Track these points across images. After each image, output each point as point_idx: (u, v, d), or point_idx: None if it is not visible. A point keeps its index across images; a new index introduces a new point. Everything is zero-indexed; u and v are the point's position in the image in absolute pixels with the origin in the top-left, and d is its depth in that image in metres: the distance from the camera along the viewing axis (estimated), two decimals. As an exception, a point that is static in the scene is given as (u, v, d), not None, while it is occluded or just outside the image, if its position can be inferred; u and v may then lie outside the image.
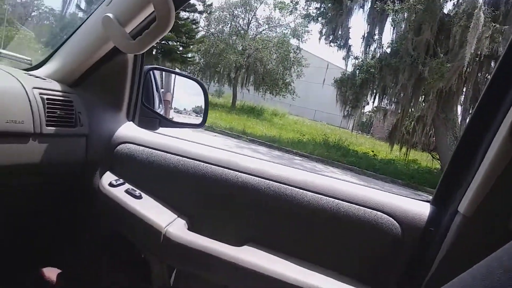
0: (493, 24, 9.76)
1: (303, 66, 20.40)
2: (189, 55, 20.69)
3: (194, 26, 19.91)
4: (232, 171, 1.08)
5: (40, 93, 1.03)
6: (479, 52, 9.89)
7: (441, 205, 0.96)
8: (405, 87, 11.48)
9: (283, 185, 1.03)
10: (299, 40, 20.76)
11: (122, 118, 1.27)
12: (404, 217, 0.95)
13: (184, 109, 1.79)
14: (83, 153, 1.18)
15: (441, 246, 0.89)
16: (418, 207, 0.97)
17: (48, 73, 1.17)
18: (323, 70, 17.81)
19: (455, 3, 11.47)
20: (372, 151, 13.31)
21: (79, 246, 1.28)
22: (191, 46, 20.26)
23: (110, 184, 1.14)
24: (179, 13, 15.28)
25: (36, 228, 1.29)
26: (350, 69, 13.45)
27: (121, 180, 1.16)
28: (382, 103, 13.18)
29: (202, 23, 21.05)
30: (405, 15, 11.67)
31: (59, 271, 1.32)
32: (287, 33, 21.00)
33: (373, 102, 13.57)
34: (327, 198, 1.00)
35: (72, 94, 1.14)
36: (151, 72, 1.48)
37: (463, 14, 10.24)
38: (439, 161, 12.16)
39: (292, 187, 1.02)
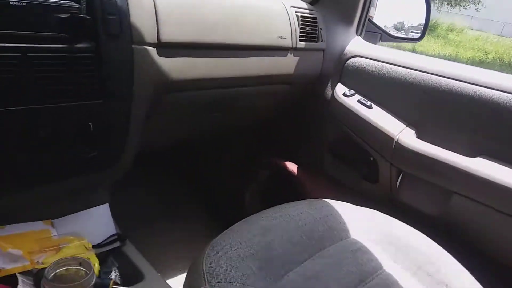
0: None
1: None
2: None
3: None
4: (466, 84, 1.05)
5: (296, 11, 1.18)
6: None
7: None
8: None
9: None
10: None
11: (352, 33, 1.35)
12: None
13: (385, 25, 1.77)
14: (320, 66, 1.32)
15: None
16: None
17: None
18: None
19: None
20: None
21: (312, 145, 1.47)
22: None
23: (344, 94, 1.26)
24: None
25: (276, 126, 1.52)
26: None
27: (352, 91, 1.26)
28: None
29: None
30: None
31: (295, 165, 1.55)
32: None
33: None
34: None
35: (315, 11, 1.27)
36: None
37: None
38: None
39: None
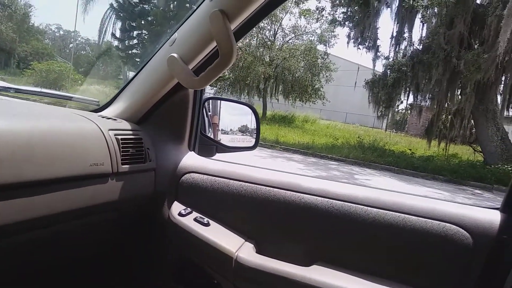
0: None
1: (332, 70, 20.27)
2: (219, 71, 21.01)
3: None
4: (294, 193, 1.09)
5: (115, 134, 1.09)
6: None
7: None
8: (440, 82, 11.20)
9: (346, 203, 1.03)
10: (326, 45, 20.66)
11: (185, 149, 1.31)
12: (474, 226, 0.93)
13: (231, 129, 1.84)
14: (152, 186, 1.24)
15: None
16: (488, 215, 0.95)
17: (116, 113, 1.25)
18: (352, 72, 17.66)
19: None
20: (409, 149, 12.97)
21: (152, 274, 1.34)
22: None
23: (180, 214, 1.18)
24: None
25: (109, 259, 1.36)
26: (380, 69, 13.29)
27: (189, 209, 1.20)
28: (417, 100, 12.90)
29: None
30: (436, 10, 11.44)
31: None
32: (313, 39, 20.99)
33: (407, 100, 13.32)
34: (393, 213, 0.99)
35: (140, 132, 1.21)
36: (208, 101, 1.56)
37: (498, 3, 9.92)
38: (481, 153, 11.70)
39: (356, 205, 1.03)
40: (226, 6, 0.92)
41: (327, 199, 1.06)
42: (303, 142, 13.07)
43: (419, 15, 12.06)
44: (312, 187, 1.10)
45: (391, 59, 12.86)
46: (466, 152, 12.93)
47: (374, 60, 13.29)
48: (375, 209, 1.01)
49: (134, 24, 23.31)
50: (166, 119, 1.28)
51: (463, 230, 0.93)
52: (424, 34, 12.18)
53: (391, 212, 0.99)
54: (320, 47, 20.62)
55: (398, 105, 14.06)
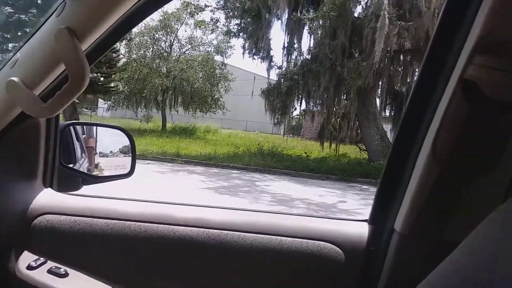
0: (399, 22, 10.68)
1: (230, 80, 20.65)
2: (112, 84, 19.94)
3: (114, 55, 19.22)
4: (168, 226, 1.01)
5: None
6: (389, 49, 10.77)
7: (378, 224, 0.97)
8: (328, 88, 12.11)
9: (223, 231, 0.99)
10: (223, 56, 21.00)
11: (38, 186, 1.12)
12: (345, 241, 0.96)
13: (111, 151, 1.67)
14: None
15: (383, 265, 0.91)
16: (358, 228, 0.99)
17: None
18: (250, 81, 18.15)
19: (364, 6, 12.42)
20: (305, 153, 13.77)
21: None
22: (113, 76, 19.55)
23: (29, 267, 0.99)
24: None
25: None
26: (275, 78, 13.89)
27: (41, 259, 1.01)
28: (309, 106, 13.78)
29: (122, 50, 20.41)
30: (320, 22, 12.36)
31: None
32: (210, 50, 21.16)
33: (300, 106, 14.14)
34: (270, 236, 0.97)
35: None
36: (69, 127, 1.35)
37: (372, 16, 11.11)
38: (365, 151, 12.95)
39: (233, 232, 0.99)
40: (74, 23, 0.77)
41: (204, 229, 1.00)
42: (205, 153, 12.97)
43: (306, 27, 12.90)
44: (188, 217, 1.02)
45: (284, 69, 13.52)
46: (354, 151, 14.16)
47: (268, 70, 13.86)
48: (252, 234, 0.98)
49: None
50: (12, 152, 1.07)
51: (335, 247, 0.95)
52: (312, 45, 13.07)
53: (268, 236, 0.97)
54: (218, 58, 20.91)
55: (292, 112, 14.82)
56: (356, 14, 12.46)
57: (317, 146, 14.08)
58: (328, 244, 0.96)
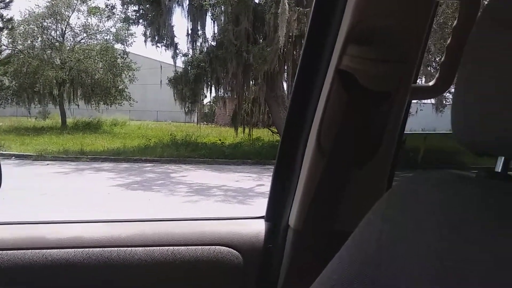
0: (298, 8, 11.07)
1: (134, 70, 19.57)
2: (-6, 79, 17.62)
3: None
4: (37, 251, 0.86)
5: None
6: (290, 34, 11.15)
7: (274, 221, 0.95)
8: (236, 74, 12.17)
9: (106, 248, 0.88)
10: (124, 44, 19.74)
11: None
12: (242, 243, 0.92)
13: None
14: None
15: (282, 262, 0.89)
16: (254, 226, 0.96)
17: None
18: (157, 70, 17.44)
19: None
20: (220, 140, 13.79)
21: None
22: (-5, 70, 17.25)
23: None
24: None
25: None
26: (183, 66, 13.52)
27: None
28: (220, 93, 13.74)
29: (4, 41, 18.03)
30: (222, 8, 12.26)
31: None
32: (109, 39, 19.73)
33: (210, 93, 14.03)
34: (161, 248, 0.90)
35: None
36: None
37: (272, 2, 11.31)
38: (278, 134, 13.44)
39: (118, 248, 0.88)
40: None
41: (82, 249, 0.87)
42: (113, 148, 12.23)
43: (209, 13, 12.72)
44: (61, 237, 0.90)
45: (190, 56, 13.22)
46: (267, 134, 14.57)
47: (174, 58, 13.41)
48: (141, 248, 0.89)
49: None
50: None
51: (232, 250, 0.91)
52: (216, 31, 12.94)
53: (159, 248, 0.89)
54: (119, 46, 19.62)
55: (203, 99, 14.65)
56: (256, 0, 12.62)
57: (232, 132, 14.17)
58: (224, 248, 0.91)
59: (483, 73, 0.48)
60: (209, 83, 13.20)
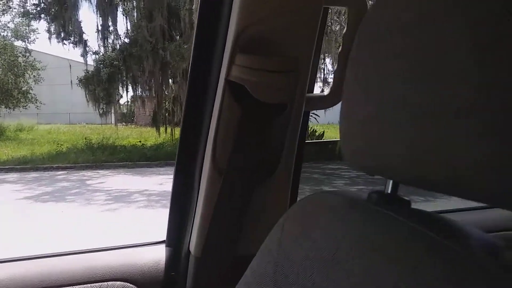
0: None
1: (39, 69, 17.91)
2: None
3: None
4: None
5: None
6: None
7: (175, 246, 0.89)
8: (153, 73, 11.75)
9: None
10: (25, 41, 17.94)
11: None
12: (140, 274, 0.84)
13: None
14: None
15: None
16: (154, 253, 0.88)
17: None
18: (66, 69, 16.15)
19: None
20: (140, 141, 13.23)
21: None
22: None
23: None
24: None
25: None
26: (94, 64, 12.68)
27: None
28: (138, 92, 13.16)
29: None
30: (134, 3, 11.70)
31: None
32: (7, 35, 17.77)
33: (127, 92, 13.38)
34: None
35: None
36: None
37: (186, -2, 11.10)
38: (201, 134, 13.30)
39: None
40: None
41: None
42: (19, 156, 11.08)
43: (120, 8, 12.08)
44: None
45: (101, 54, 12.45)
46: (190, 133, 14.32)
47: (83, 56, 12.52)
48: None
49: None
50: None
51: (129, 284, 0.83)
52: (129, 27, 12.35)
53: None
54: (19, 44, 17.79)
55: (119, 100, 13.92)
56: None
57: (153, 132, 13.67)
58: (118, 283, 0.83)
59: (362, 91, 0.45)
60: (125, 82, 12.58)
